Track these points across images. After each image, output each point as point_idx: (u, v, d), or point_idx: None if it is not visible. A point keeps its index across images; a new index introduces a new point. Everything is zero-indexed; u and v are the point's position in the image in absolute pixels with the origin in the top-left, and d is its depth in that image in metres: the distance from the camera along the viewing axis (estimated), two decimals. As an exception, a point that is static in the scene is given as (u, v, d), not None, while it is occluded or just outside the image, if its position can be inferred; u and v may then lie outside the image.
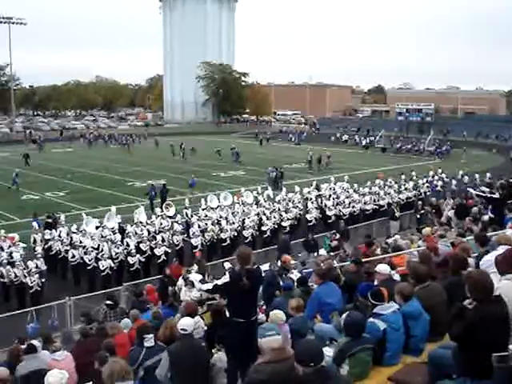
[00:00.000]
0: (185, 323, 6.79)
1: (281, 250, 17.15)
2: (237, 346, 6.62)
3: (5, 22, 76.05)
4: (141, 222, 21.89)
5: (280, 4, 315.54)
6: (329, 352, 5.92)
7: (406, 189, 30.75)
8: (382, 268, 8.26)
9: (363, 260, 11.07)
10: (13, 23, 76.61)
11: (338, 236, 20.19)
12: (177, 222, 22.79)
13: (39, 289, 17.30)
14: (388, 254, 12.46)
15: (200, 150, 57.88)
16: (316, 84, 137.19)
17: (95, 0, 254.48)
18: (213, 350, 7.51)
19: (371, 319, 6.30)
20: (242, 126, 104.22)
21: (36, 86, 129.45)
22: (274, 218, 24.28)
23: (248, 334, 6.47)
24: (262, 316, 7.63)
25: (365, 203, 27.93)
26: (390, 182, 31.24)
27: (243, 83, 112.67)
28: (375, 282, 8.33)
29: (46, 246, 20.49)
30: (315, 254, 18.62)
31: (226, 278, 6.78)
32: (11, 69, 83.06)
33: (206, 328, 8.62)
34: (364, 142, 70.27)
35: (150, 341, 7.40)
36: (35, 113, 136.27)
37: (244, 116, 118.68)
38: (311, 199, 27.03)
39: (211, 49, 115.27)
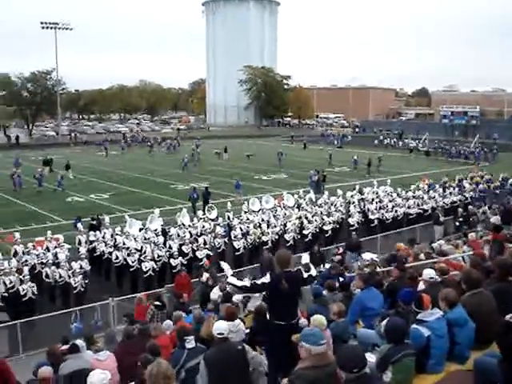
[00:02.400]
0: (220, 327, 6.56)
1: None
2: (277, 350, 6.56)
3: (51, 28, 77.69)
4: (183, 225, 22.02)
5: (322, 6, 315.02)
6: (371, 358, 5.82)
7: (450, 193, 30.28)
8: (428, 273, 8.09)
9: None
10: (59, 28, 78.20)
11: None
12: (219, 224, 22.83)
13: (83, 289, 17.55)
14: (432, 260, 12.26)
15: (240, 154, 58.15)
16: (359, 87, 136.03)
17: (139, 5, 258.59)
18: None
19: (415, 326, 6.17)
20: (285, 129, 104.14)
21: (81, 90, 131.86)
22: (316, 221, 24.13)
23: (289, 338, 6.38)
24: (303, 320, 7.53)
25: (408, 207, 27.59)
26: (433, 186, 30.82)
27: (285, 86, 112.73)
28: (418, 287, 8.19)
29: (90, 248, 20.80)
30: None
31: (266, 279, 6.73)
32: (57, 73, 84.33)
33: (247, 331, 8.57)
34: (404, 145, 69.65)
35: (190, 342, 7.30)
36: (80, 116, 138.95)
37: (286, 119, 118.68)
38: (354, 203, 26.76)
39: (253, 52, 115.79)
